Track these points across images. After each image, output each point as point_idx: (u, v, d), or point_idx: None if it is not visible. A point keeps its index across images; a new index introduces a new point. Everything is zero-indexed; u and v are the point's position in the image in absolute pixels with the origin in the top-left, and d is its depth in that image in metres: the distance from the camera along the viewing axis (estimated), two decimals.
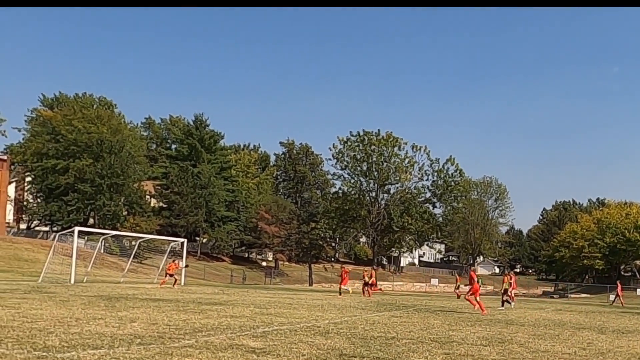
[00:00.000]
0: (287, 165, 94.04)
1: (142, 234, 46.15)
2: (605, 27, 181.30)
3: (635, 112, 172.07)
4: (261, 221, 76.31)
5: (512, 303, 23.15)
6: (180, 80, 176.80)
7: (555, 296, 70.80)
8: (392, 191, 66.42)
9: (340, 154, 65.01)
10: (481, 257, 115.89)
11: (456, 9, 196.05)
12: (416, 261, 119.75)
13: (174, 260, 31.52)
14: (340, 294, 27.55)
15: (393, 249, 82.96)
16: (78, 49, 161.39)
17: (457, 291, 32.78)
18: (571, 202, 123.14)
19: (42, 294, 17.03)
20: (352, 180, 65.76)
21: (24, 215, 72.05)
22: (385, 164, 64.16)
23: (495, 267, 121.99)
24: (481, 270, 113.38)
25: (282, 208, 77.99)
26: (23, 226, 71.69)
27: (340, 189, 69.52)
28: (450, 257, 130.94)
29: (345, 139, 64.87)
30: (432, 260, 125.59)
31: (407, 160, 64.83)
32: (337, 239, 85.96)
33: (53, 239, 40.46)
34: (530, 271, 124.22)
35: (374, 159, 64.17)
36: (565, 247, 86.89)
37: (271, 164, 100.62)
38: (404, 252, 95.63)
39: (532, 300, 44.28)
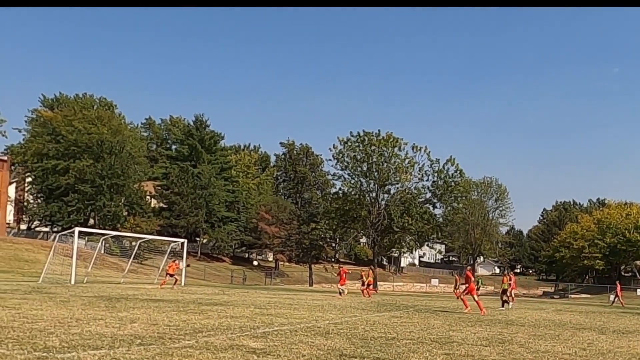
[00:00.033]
0: (287, 165, 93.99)
1: (142, 234, 46.12)
2: (605, 27, 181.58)
3: (635, 112, 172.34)
4: (261, 222, 76.36)
5: (511, 304, 23.15)
6: (180, 80, 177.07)
7: (555, 296, 70.83)
8: (392, 192, 66.29)
9: (341, 155, 64.92)
10: (481, 258, 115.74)
11: (456, 9, 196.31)
12: (416, 261, 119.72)
13: (174, 261, 31.55)
14: (340, 294, 27.68)
15: (393, 249, 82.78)
16: (78, 49, 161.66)
17: (456, 291, 32.78)
18: (571, 203, 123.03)
19: (42, 295, 17.04)
20: (352, 181, 65.65)
21: (24, 216, 72.07)
22: (385, 164, 64.10)
23: (496, 268, 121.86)
24: (481, 271, 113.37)
25: (283, 208, 78.00)
26: (23, 227, 71.70)
27: (340, 189, 69.36)
28: (451, 257, 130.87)
29: (345, 140, 64.80)
30: (432, 261, 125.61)
31: (407, 160, 64.73)
32: (337, 240, 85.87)
33: (53, 240, 40.45)
34: (531, 271, 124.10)
35: (374, 159, 64.11)
36: (566, 247, 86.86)
37: (271, 164, 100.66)
38: (404, 252, 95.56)
39: (533, 300, 44.32)
